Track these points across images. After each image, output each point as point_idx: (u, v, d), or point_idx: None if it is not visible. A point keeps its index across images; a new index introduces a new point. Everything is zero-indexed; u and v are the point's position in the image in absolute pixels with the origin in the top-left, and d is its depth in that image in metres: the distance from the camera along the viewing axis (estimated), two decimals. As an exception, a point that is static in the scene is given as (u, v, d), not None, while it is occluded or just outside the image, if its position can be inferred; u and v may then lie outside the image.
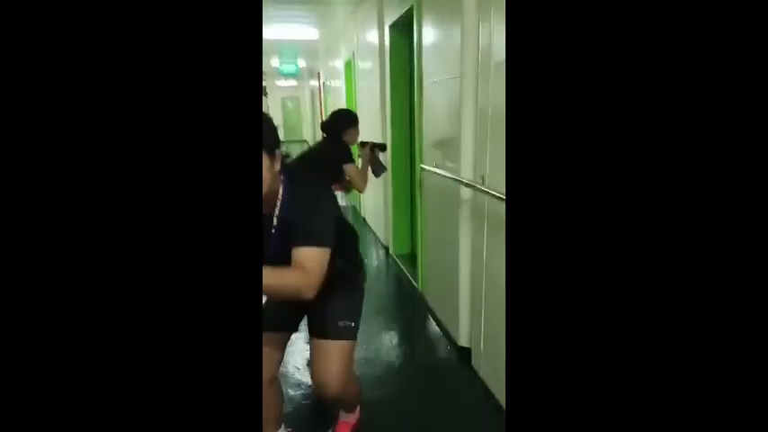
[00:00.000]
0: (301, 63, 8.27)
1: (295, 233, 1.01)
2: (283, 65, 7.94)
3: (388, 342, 2.26)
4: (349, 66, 4.57)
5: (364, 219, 4.62)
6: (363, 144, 2.24)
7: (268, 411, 1.30)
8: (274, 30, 4.92)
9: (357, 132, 2.17)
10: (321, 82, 8.11)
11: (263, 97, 10.19)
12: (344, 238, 1.25)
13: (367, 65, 3.73)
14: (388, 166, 3.18)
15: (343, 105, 5.13)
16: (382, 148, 2.34)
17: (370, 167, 2.22)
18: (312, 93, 11.14)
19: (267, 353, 1.20)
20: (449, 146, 1.99)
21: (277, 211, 1.07)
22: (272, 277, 0.91)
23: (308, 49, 6.73)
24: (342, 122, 2.12)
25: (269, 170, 0.97)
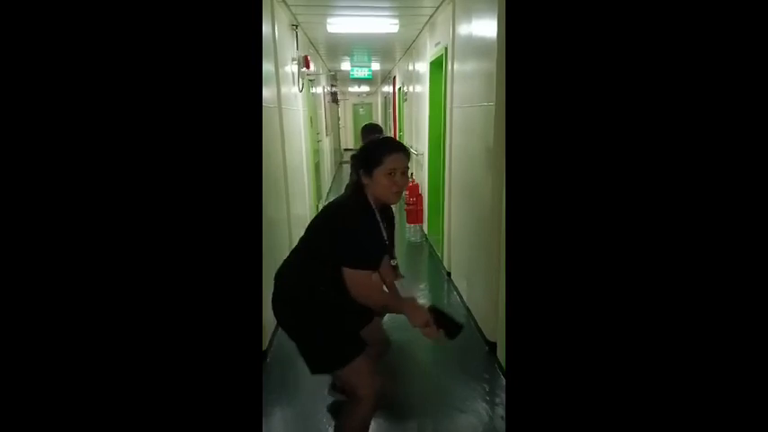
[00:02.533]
0: (375, 66, 7.28)
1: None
2: (354, 68, 7.01)
3: None
4: (438, 66, 3.42)
5: (448, 274, 3.39)
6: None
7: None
8: (345, 23, 3.91)
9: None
10: (396, 87, 7.07)
11: (335, 105, 9.39)
12: None
13: (470, 65, 2.55)
14: (500, 222, 1.99)
15: (425, 116, 4.00)
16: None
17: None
18: (385, 99, 10.16)
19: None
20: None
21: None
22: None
23: (383, 49, 5.70)
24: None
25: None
